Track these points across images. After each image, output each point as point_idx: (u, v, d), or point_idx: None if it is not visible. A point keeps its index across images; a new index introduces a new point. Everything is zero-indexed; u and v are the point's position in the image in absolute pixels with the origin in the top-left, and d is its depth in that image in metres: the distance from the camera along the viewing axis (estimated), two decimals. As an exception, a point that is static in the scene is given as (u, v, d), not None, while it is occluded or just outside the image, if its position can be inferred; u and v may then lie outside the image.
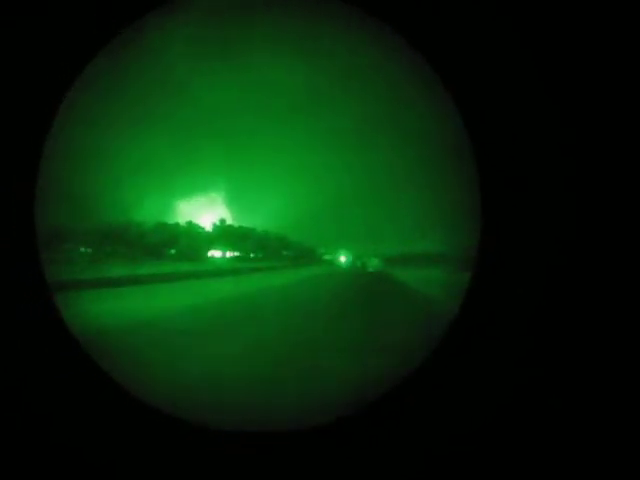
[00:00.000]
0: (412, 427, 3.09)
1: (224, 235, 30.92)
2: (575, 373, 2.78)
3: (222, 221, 30.63)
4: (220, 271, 26.86)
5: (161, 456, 3.12)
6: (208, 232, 30.20)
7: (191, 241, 28.78)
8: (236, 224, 31.38)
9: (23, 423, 3.13)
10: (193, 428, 3.36)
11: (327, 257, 38.97)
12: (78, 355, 3.68)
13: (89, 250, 23.83)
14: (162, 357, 6.95)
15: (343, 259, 38.95)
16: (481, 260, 3.23)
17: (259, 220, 32.11)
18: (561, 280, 2.80)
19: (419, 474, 2.85)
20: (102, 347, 5.95)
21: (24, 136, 3.27)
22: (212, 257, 31.05)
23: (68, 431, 3.16)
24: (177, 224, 28.35)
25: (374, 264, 36.90)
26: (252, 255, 33.07)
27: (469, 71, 2.94)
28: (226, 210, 30.29)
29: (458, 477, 2.83)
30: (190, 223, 29.11)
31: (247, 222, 31.90)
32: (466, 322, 3.29)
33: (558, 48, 2.67)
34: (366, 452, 3.00)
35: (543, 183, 2.85)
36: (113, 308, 11.61)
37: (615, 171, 2.66)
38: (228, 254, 31.81)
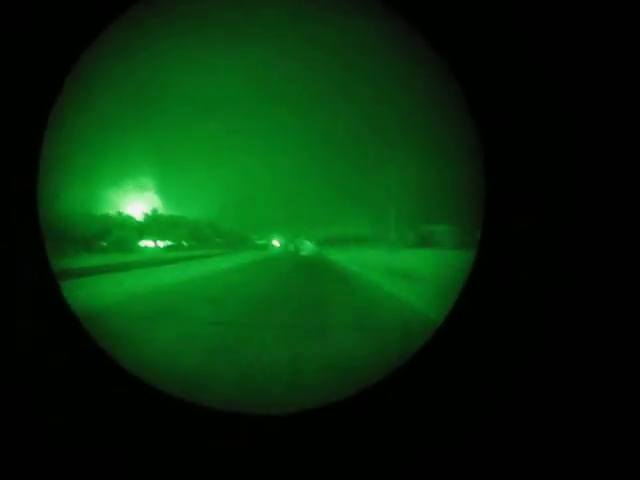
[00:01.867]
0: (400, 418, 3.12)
1: (155, 224, 30.40)
2: (573, 368, 2.82)
3: (153, 210, 30.09)
4: (153, 261, 26.45)
5: (154, 433, 3.20)
6: (139, 222, 29.60)
7: (122, 232, 28.15)
8: (167, 213, 30.90)
9: (25, 400, 3.19)
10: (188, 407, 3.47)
11: (260, 242, 38.98)
12: None
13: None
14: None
15: (277, 244, 39.07)
16: (483, 246, 3.26)
17: (190, 208, 31.73)
18: (561, 274, 2.86)
19: (408, 460, 2.93)
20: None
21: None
22: (144, 247, 30.48)
23: (67, 408, 3.24)
24: (107, 215, 27.62)
25: (307, 247, 37.23)
26: (185, 243, 32.71)
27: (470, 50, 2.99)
28: (156, 199, 29.73)
29: (450, 468, 2.89)
30: (120, 214, 28.42)
31: (178, 211, 31.45)
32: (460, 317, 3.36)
33: (562, 33, 2.72)
34: (355, 438, 3.04)
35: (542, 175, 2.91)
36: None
37: (620, 163, 2.70)
38: (160, 243, 31.31)
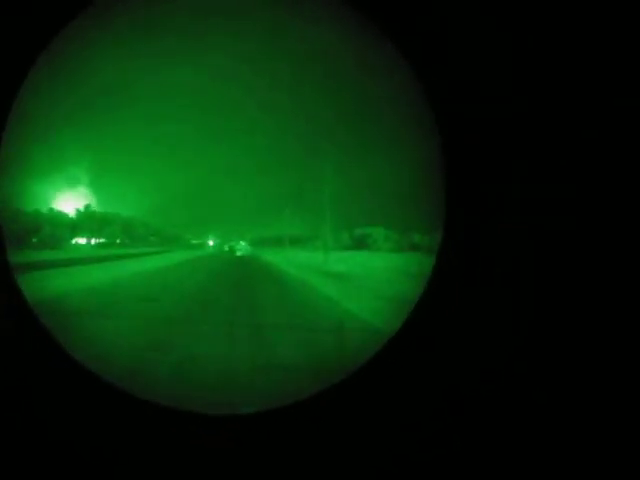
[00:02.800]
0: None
1: (88, 221, 29.88)
2: (526, 363, 2.90)
3: (86, 207, 29.58)
4: (85, 259, 26.01)
5: (110, 428, 3.23)
6: (71, 218, 29.02)
7: (54, 228, 27.54)
8: (100, 210, 30.43)
9: None
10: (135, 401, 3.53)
11: (195, 242, 38.78)
12: None
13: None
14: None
15: (211, 243, 38.91)
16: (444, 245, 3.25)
17: (124, 206, 31.32)
18: (519, 274, 2.91)
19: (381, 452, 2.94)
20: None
21: None
22: (76, 244, 29.87)
23: (26, 403, 3.30)
24: (37, 211, 26.98)
25: (242, 248, 37.19)
26: (118, 241, 32.25)
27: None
28: (89, 195, 29.26)
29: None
30: (52, 210, 27.81)
31: (112, 208, 30.99)
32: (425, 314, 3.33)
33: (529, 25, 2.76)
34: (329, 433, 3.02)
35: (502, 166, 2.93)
36: None
37: (579, 162, 2.74)
38: (93, 241, 30.77)
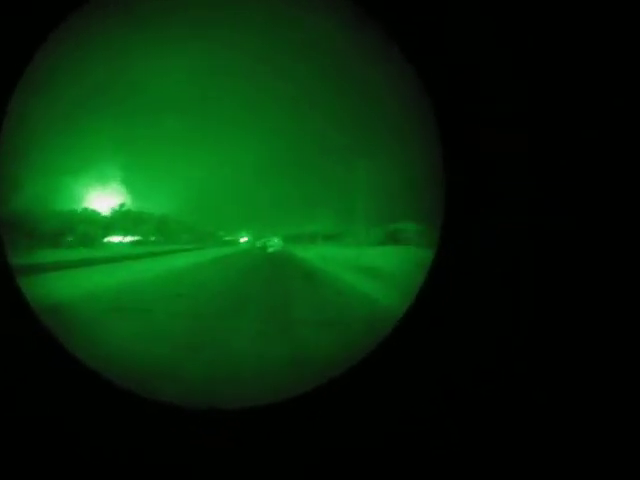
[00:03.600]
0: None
1: (122, 220, 30.15)
2: (529, 357, 2.95)
3: (120, 206, 29.83)
4: (120, 256, 26.32)
5: (115, 429, 3.28)
6: (106, 217, 29.32)
7: (89, 227, 27.87)
8: (134, 208, 30.66)
9: None
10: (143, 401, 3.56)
11: (228, 238, 38.90)
12: None
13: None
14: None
15: (244, 240, 39.02)
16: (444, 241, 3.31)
17: (158, 204, 31.52)
18: (517, 269, 2.96)
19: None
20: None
21: None
22: (110, 242, 30.20)
23: (29, 404, 3.31)
24: (73, 210, 27.30)
25: (274, 244, 37.21)
26: (152, 239, 32.49)
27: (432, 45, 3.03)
28: (123, 194, 29.48)
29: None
30: (86, 209, 28.11)
31: (145, 206, 31.21)
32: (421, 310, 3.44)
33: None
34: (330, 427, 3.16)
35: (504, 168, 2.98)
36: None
37: (581, 158, 2.78)
38: (128, 239, 31.06)
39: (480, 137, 3.02)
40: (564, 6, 2.75)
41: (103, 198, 28.48)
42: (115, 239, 30.29)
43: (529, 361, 2.90)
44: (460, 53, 2.97)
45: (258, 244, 38.07)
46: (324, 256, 27.37)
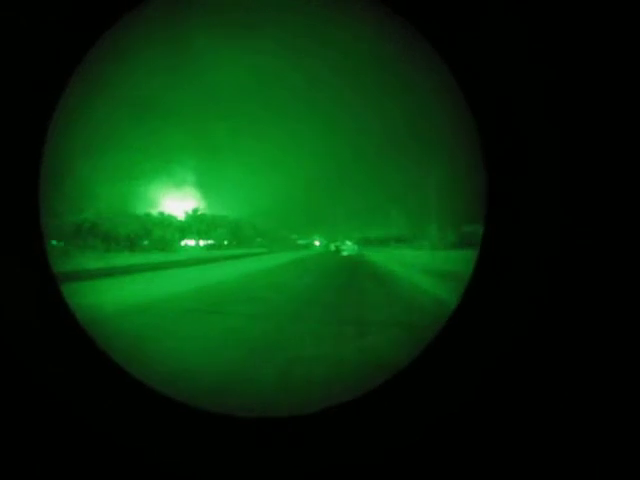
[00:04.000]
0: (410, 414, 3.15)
1: (197, 223, 30.75)
2: (569, 365, 2.83)
3: (195, 210, 30.46)
4: (196, 260, 26.80)
5: (161, 438, 3.17)
6: (181, 221, 30.03)
7: (164, 231, 28.58)
8: (208, 212, 31.23)
9: (33, 412, 3.13)
10: (192, 411, 3.39)
11: (302, 242, 39.02)
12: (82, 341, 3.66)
13: (61, 244, 23.49)
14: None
15: (318, 243, 39.02)
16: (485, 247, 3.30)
17: (232, 208, 31.99)
18: (565, 270, 2.84)
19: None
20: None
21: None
22: (185, 246, 30.89)
23: (76, 414, 3.18)
24: (148, 214, 28.11)
25: (348, 247, 37.00)
26: (226, 242, 32.99)
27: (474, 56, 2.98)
28: (198, 198, 30.09)
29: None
30: (162, 213, 28.89)
31: (220, 210, 31.76)
32: (466, 313, 3.36)
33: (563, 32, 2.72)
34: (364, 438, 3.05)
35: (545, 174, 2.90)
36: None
37: (622, 162, 2.69)
38: (201, 242, 31.68)
39: (521, 141, 2.97)
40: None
41: (178, 202, 29.19)
42: (190, 242, 30.97)
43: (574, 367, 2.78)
44: (499, 56, 2.89)
45: (332, 247, 38.00)
46: (397, 259, 26.73)
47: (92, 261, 21.62)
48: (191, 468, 2.96)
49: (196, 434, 3.19)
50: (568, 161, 2.78)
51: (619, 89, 2.65)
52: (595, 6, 2.60)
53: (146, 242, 28.10)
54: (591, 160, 2.72)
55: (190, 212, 30.31)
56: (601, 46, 2.64)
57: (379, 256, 30.52)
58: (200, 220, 31.14)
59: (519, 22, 2.75)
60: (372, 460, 2.91)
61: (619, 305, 2.72)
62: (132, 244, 26.71)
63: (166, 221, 29.05)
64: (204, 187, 29.49)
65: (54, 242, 22.89)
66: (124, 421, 3.21)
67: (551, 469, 2.74)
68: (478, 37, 2.89)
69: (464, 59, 3.05)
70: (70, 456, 2.99)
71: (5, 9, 2.90)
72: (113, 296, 12.09)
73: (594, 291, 2.75)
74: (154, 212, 28.37)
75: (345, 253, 36.31)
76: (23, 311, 3.26)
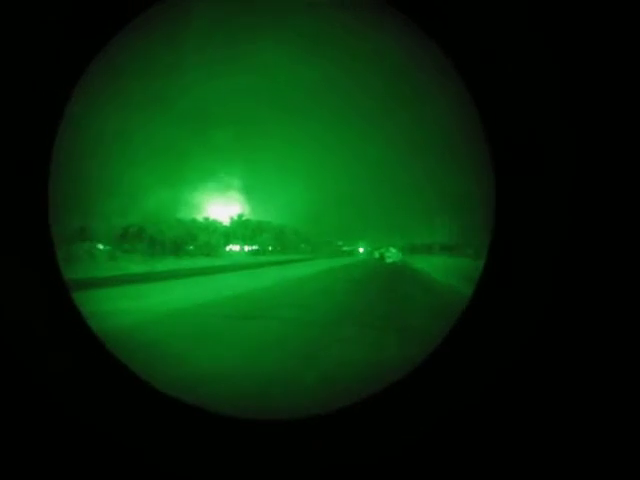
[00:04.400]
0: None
1: (242, 229, 31.10)
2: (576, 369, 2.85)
3: (240, 216, 30.82)
4: (241, 265, 27.07)
5: (180, 444, 3.11)
6: (225, 227, 30.42)
7: (209, 236, 29.02)
8: (253, 218, 31.54)
9: (48, 423, 3.16)
10: (214, 417, 3.39)
11: (346, 249, 38.98)
12: (99, 352, 3.69)
13: (108, 248, 24.16)
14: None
15: (361, 250, 38.92)
16: (494, 249, 3.27)
17: (276, 214, 32.22)
18: (573, 272, 2.85)
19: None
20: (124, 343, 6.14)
21: (33, 129, 3.31)
22: (230, 251, 31.27)
23: (92, 425, 3.19)
24: (194, 220, 28.60)
25: (392, 255, 36.78)
26: (270, 248, 33.25)
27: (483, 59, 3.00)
28: (243, 204, 30.42)
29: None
30: (207, 219, 29.35)
31: (264, 216, 32.03)
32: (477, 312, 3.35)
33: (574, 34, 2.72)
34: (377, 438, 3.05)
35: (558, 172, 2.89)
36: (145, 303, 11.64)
37: (633, 168, 2.70)
38: (246, 248, 32.02)
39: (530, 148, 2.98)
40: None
41: (223, 208, 29.60)
42: (234, 248, 31.34)
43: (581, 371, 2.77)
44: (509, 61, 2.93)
45: (376, 254, 37.85)
46: (441, 268, 26.29)
47: (138, 265, 22.14)
48: (207, 473, 2.97)
49: (220, 440, 3.20)
50: (579, 164, 2.78)
51: (630, 91, 2.63)
52: (600, 4, 2.56)
53: (191, 247, 28.60)
54: (602, 164, 2.71)
55: (235, 217, 30.70)
56: (610, 46, 2.62)
57: (423, 264, 30.14)
58: (245, 226, 31.49)
59: (525, 20, 2.71)
60: (380, 460, 2.91)
61: (629, 304, 2.71)
62: (177, 249, 27.22)
63: (211, 226, 29.50)
64: (249, 193, 29.83)
65: (100, 246, 23.60)
66: (144, 429, 3.22)
67: (558, 471, 2.74)
68: (482, 34, 2.85)
69: (470, 58, 3.05)
70: (85, 462, 3.02)
71: (10, 14, 2.96)
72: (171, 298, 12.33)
73: (603, 293, 2.75)
74: (200, 217, 28.88)
75: (389, 260, 36.08)
76: (32, 317, 3.31)
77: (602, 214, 2.67)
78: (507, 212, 3.01)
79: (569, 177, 2.69)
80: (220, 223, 30.18)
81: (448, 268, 25.12)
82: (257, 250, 32.47)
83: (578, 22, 2.55)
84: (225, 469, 3.00)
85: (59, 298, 3.62)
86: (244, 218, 31.10)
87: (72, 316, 3.67)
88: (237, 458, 3.05)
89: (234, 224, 30.81)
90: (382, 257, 37.09)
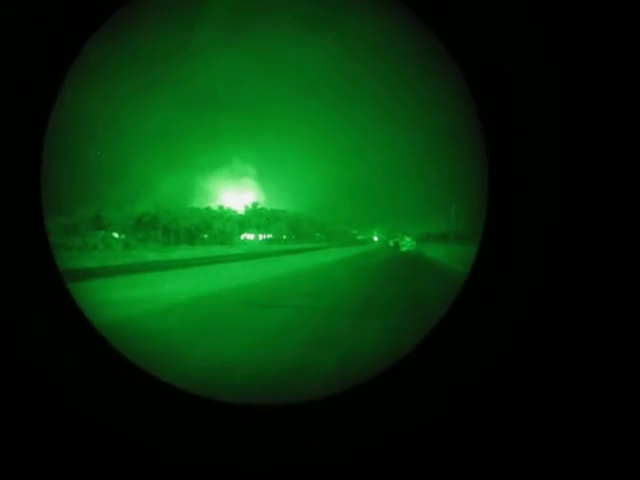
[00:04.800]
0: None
1: (256, 218, 31.07)
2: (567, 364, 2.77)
3: (254, 204, 30.79)
4: (257, 254, 27.03)
5: (184, 434, 3.12)
6: (240, 215, 30.41)
7: (223, 225, 29.01)
8: (268, 207, 31.50)
9: (46, 415, 3.13)
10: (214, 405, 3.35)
11: (360, 237, 38.85)
12: (98, 342, 3.64)
13: (122, 236, 24.24)
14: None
15: (376, 239, 38.76)
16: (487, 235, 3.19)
17: (291, 202, 32.17)
18: (568, 259, 2.77)
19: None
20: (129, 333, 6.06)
21: (25, 117, 3.25)
22: (244, 240, 31.27)
23: (93, 418, 3.16)
24: (208, 208, 28.61)
25: (407, 243, 36.56)
26: (285, 237, 33.21)
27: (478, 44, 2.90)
28: (257, 193, 30.38)
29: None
30: (222, 207, 29.35)
31: (279, 204, 32.00)
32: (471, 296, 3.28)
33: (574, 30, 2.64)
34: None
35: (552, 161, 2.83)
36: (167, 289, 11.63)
37: (628, 162, 2.63)
38: (260, 237, 32.00)
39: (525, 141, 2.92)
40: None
41: (238, 196, 29.57)
42: (249, 236, 31.32)
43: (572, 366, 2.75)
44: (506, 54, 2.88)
45: (390, 243, 37.67)
46: (457, 256, 26.08)
47: (153, 253, 22.18)
48: (216, 462, 2.93)
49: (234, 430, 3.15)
50: (574, 156, 2.71)
51: (627, 88, 2.56)
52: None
53: (206, 235, 28.63)
54: (597, 158, 2.65)
55: (250, 206, 30.68)
56: (612, 43, 2.55)
57: (439, 253, 29.91)
58: (259, 214, 31.46)
59: (528, 17, 2.62)
60: (384, 445, 2.80)
61: (625, 298, 2.64)
62: (192, 237, 27.26)
63: (226, 215, 29.50)
64: (264, 182, 29.77)
65: (115, 234, 23.68)
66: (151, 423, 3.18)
67: (561, 455, 2.65)
68: (484, 28, 2.76)
69: (470, 50, 2.94)
70: (91, 459, 2.98)
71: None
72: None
73: (598, 284, 2.69)
74: (214, 206, 28.89)
75: (404, 249, 35.83)
76: (28, 309, 3.26)
77: (600, 201, 2.56)
78: (501, 196, 2.99)
79: (565, 165, 2.62)
80: (234, 211, 30.20)
81: (465, 259, 24.90)
82: (271, 239, 32.44)
83: (578, 15, 2.47)
84: (243, 457, 2.97)
85: (55, 289, 3.58)
86: (259, 207, 31.08)
87: (70, 308, 3.63)
88: (248, 443, 3.02)
89: (249, 212, 30.79)
90: (396, 246, 36.89)
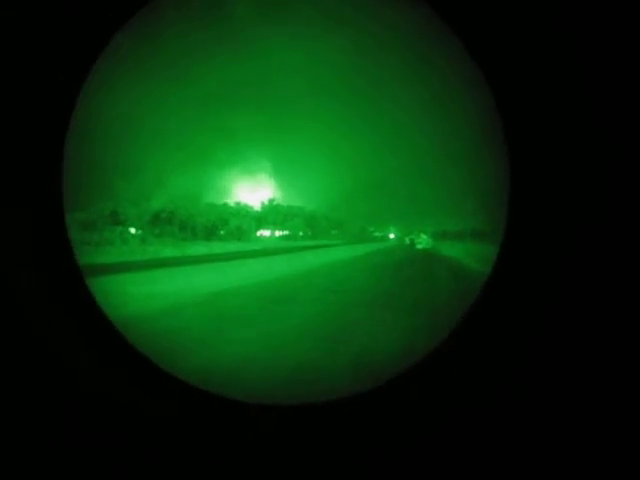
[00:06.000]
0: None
1: (273, 214, 31.18)
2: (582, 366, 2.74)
3: (271, 200, 30.90)
4: (274, 250, 27.11)
5: (196, 431, 3.14)
6: (257, 211, 30.53)
7: (240, 221, 29.17)
8: (284, 203, 31.59)
9: (63, 409, 3.18)
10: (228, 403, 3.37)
11: (377, 234, 38.79)
12: (115, 338, 3.68)
13: (139, 232, 24.48)
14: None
15: (392, 236, 38.68)
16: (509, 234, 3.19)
17: (307, 199, 32.22)
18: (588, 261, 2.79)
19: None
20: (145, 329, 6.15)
21: (49, 114, 3.31)
22: (261, 236, 31.36)
23: (110, 413, 3.20)
24: (225, 204, 28.77)
25: (423, 241, 36.41)
26: (301, 234, 33.26)
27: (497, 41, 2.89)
28: (274, 189, 30.48)
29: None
30: (239, 204, 29.49)
31: (295, 201, 32.06)
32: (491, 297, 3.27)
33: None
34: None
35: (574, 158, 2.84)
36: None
37: None
38: (277, 233, 32.09)
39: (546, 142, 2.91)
40: None
41: (255, 192, 29.71)
42: (265, 233, 31.42)
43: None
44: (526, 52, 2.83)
45: (406, 240, 37.55)
46: (473, 254, 25.92)
47: (170, 248, 22.38)
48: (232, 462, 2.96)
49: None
50: (598, 152, 2.71)
51: None
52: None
53: (222, 232, 28.79)
54: (623, 154, 2.62)
55: (266, 202, 30.79)
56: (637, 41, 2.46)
57: (454, 250, 29.77)
58: (276, 211, 31.56)
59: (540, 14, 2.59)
60: (401, 446, 2.80)
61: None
62: (209, 233, 27.45)
63: (242, 211, 29.65)
64: (280, 178, 29.86)
65: (132, 230, 23.91)
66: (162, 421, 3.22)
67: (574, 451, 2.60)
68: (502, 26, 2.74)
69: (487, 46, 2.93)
70: (107, 453, 3.03)
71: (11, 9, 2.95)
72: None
73: (622, 284, 2.66)
74: (231, 202, 29.04)
75: (420, 246, 35.68)
76: (47, 303, 3.33)
77: (624, 197, 2.53)
78: (522, 197, 2.96)
79: (589, 161, 2.59)
80: (251, 208, 30.33)
81: (483, 257, 24.75)
82: (288, 235, 32.52)
83: (604, 14, 2.45)
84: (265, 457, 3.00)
85: (74, 284, 3.65)
86: (275, 203, 31.17)
87: (89, 303, 3.70)
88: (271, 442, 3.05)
89: (265, 209, 30.91)
90: (412, 243, 36.77)
